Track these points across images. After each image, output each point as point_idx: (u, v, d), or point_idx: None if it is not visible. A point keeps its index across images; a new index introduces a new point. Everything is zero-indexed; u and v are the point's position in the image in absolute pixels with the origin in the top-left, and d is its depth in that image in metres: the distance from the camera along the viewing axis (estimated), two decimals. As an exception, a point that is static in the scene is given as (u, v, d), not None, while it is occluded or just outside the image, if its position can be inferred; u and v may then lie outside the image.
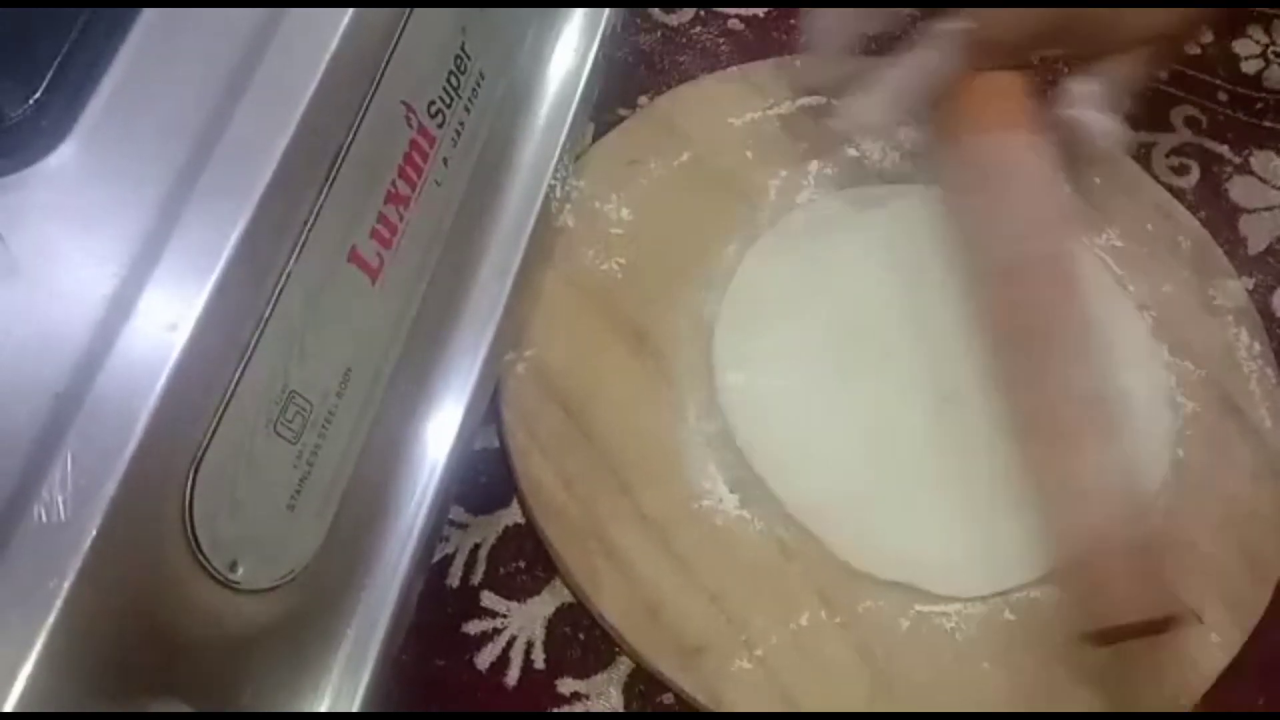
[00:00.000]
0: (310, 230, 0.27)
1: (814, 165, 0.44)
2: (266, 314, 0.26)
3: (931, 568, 0.36)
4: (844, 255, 0.42)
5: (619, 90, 0.46)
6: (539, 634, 0.36)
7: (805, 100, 0.46)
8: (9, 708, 0.21)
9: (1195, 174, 0.47)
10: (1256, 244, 0.46)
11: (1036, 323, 0.37)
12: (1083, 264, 0.39)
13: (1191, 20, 0.42)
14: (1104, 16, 0.40)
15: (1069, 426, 0.35)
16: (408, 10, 0.31)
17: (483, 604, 0.37)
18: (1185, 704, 0.35)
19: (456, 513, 0.38)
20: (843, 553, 0.36)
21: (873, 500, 0.38)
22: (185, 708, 0.25)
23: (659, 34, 0.49)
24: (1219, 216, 0.46)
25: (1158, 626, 0.33)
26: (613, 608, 0.36)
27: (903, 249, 0.42)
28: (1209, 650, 0.36)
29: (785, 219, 0.43)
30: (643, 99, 0.47)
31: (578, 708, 0.35)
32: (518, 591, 0.37)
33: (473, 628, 0.37)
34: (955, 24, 0.39)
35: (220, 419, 0.25)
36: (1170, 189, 0.46)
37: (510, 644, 0.36)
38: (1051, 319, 0.37)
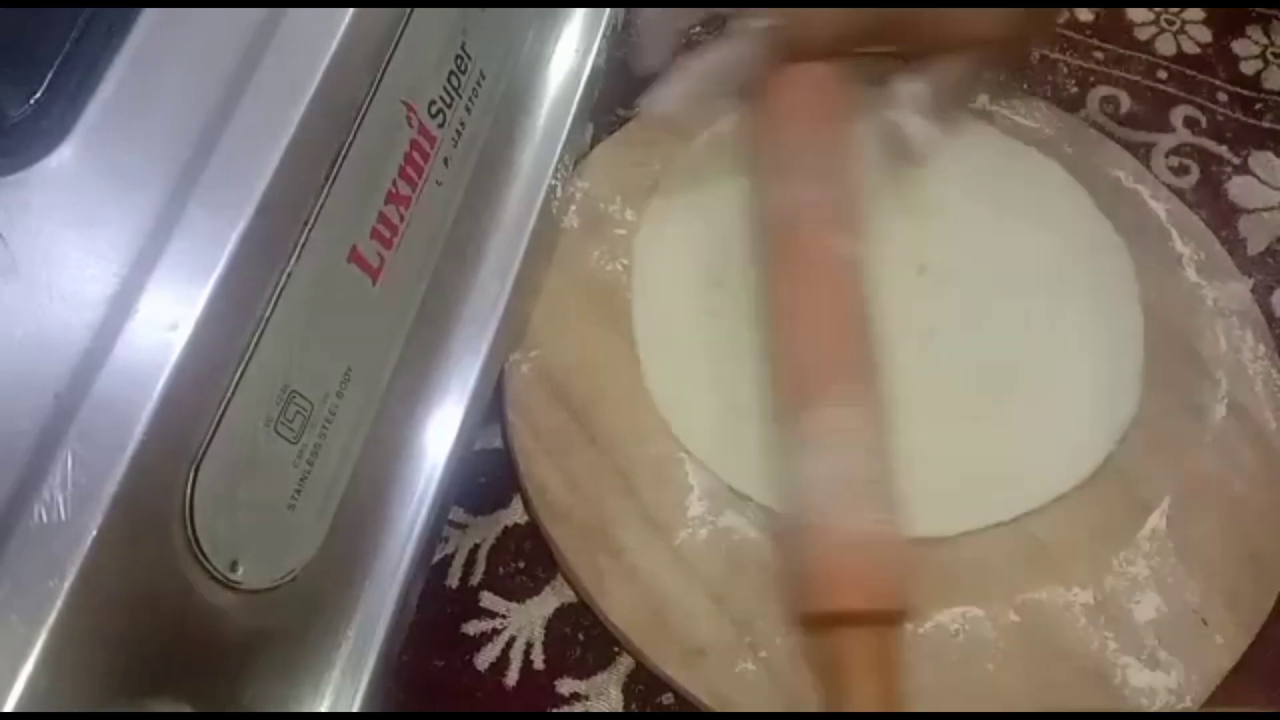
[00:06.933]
0: (310, 230, 0.28)
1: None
2: (266, 314, 0.26)
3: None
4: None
5: (619, 91, 0.46)
6: (538, 634, 0.36)
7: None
8: (9, 708, 0.21)
9: (1195, 174, 0.47)
10: (1256, 244, 0.46)
11: (802, 305, 0.38)
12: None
13: (1020, 22, 0.41)
14: (923, 18, 0.39)
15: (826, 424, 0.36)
16: (408, 10, 0.31)
17: (482, 604, 0.37)
18: (1190, 705, 0.35)
19: (456, 513, 0.38)
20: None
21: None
22: (185, 708, 0.25)
23: (659, 34, 0.49)
24: (1219, 216, 0.46)
25: (872, 618, 0.33)
26: (617, 609, 0.36)
27: None
28: (1214, 652, 0.36)
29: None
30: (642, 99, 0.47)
31: (577, 708, 0.35)
32: (517, 592, 0.37)
33: (472, 628, 0.36)
34: (761, 22, 0.39)
35: (220, 419, 0.25)
36: (1170, 189, 0.46)
37: (510, 644, 0.36)
38: (819, 301, 0.38)
